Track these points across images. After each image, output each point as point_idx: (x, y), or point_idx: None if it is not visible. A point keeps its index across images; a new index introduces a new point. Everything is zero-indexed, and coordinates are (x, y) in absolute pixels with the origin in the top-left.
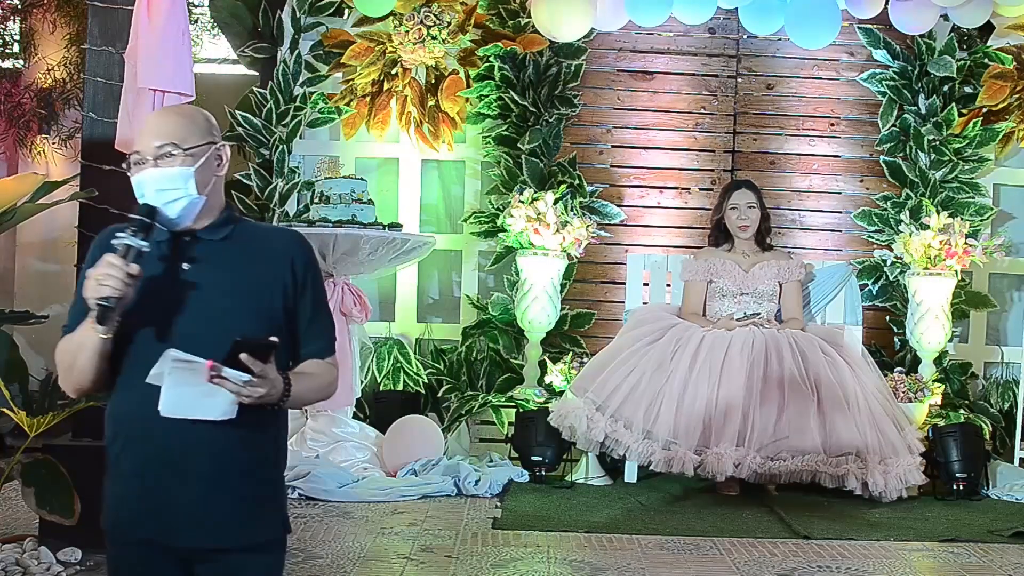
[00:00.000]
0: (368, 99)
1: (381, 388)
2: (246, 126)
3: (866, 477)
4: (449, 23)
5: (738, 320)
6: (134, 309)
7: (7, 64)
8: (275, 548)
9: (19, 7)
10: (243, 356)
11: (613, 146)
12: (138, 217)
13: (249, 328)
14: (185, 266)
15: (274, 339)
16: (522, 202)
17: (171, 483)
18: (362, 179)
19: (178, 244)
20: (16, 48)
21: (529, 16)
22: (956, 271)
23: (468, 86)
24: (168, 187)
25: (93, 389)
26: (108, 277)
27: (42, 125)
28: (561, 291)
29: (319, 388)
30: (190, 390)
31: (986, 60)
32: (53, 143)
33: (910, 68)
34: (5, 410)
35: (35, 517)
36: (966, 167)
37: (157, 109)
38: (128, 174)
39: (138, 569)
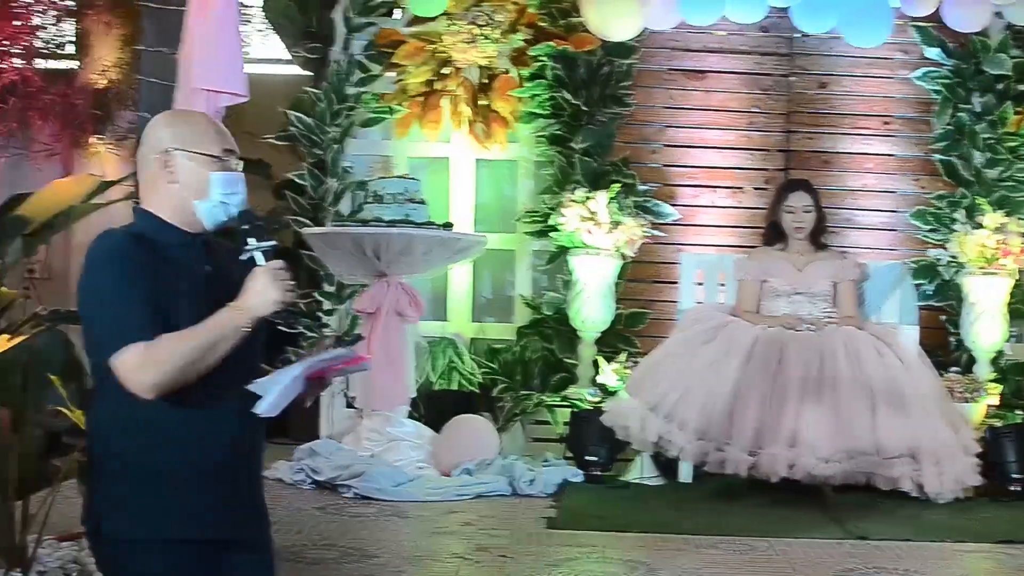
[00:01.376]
0: (420, 99)
1: (435, 388)
2: (299, 126)
3: (921, 479)
4: (501, 23)
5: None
6: (179, 311)
7: (62, 66)
8: (269, 543)
9: (73, 9)
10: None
11: (666, 145)
12: (261, 223)
13: (262, 328)
14: (208, 268)
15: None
16: (575, 201)
17: (237, 480)
18: (415, 179)
19: (198, 246)
20: (71, 50)
21: (580, 15)
22: (1013, 270)
23: (520, 86)
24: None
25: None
26: (291, 283)
27: (97, 126)
28: (615, 290)
29: None
30: (293, 390)
31: None
32: (108, 143)
33: (964, 66)
34: (62, 409)
35: None
36: (1021, 165)
37: (213, 110)
38: (224, 165)
39: (199, 568)
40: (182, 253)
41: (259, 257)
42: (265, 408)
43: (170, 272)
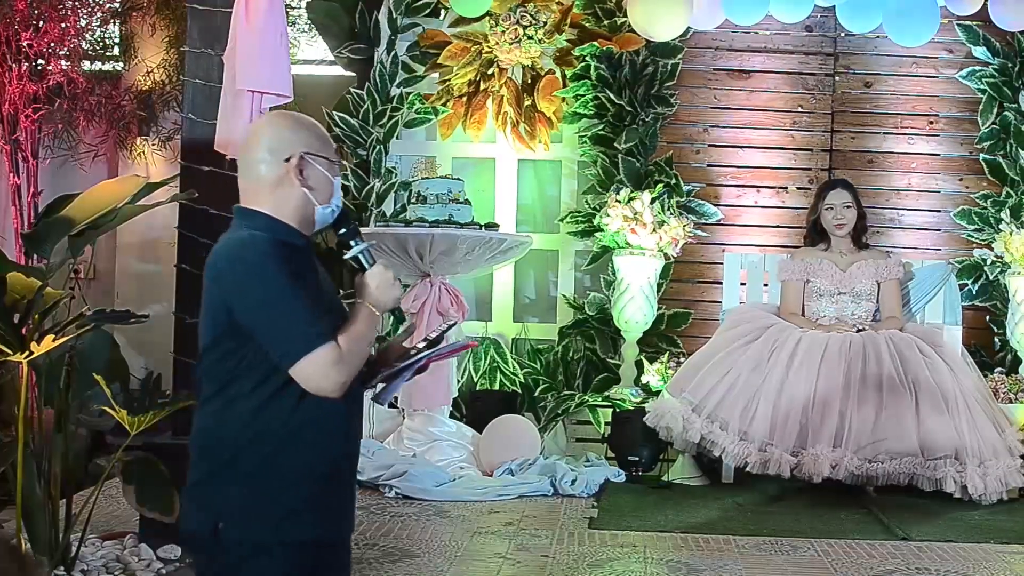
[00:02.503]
0: (464, 99)
1: (478, 388)
2: (343, 127)
3: (965, 480)
4: (545, 23)
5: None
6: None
7: (107, 67)
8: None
9: (119, 11)
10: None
11: (710, 145)
12: (356, 225)
13: None
14: (320, 270)
15: None
16: (619, 202)
17: (342, 482)
18: (459, 179)
19: (311, 249)
20: (116, 51)
21: (625, 15)
22: None
23: (564, 86)
24: None
25: None
26: (398, 281)
27: (142, 127)
28: (658, 291)
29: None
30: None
31: None
32: (153, 145)
33: (1010, 65)
34: (107, 409)
35: (135, 514)
36: None
37: (258, 111)
38: (329, 170)
39: (319, 568)
40: (303, 255)
41: (364, 257)
42: (386, 399)
43: (304, 274)
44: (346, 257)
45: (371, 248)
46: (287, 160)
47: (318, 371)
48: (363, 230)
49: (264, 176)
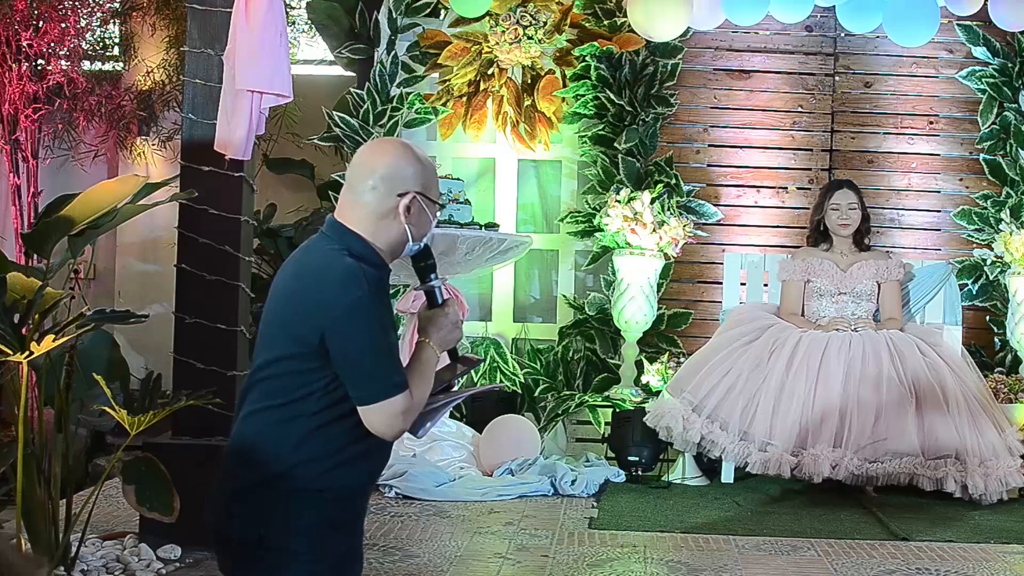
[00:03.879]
0: (464, 99)
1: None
2: (343, 127)
3: (965, 480)
4: (545, 23)
5: (845, 323)
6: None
7: (107, 67)
8: None
9: (119, 11)
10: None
11: (710, 145)
12: (433, 260)
13: None
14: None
15: None
16: (619, 202)
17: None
18: (459, 179)
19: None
20: (116, 51)
21: (625, 15)
22: None
23: (564, 86)
24: None
25: None
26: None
27: (142, 127)
28: (658, 291)
29: None
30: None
31: None
32: (152, 144)
33: (1010, 65)
34: (107, 408)
35: (135, 514)
36: None
37: (258, 111)
38: (435, 211)
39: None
40: (388, 280)
41: (439, 292)
42: (422, 431)
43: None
44: (420, 288)
45: (444, 285)
46: (400, 195)
47: (387, 419)
48: None
49: (371, 203)
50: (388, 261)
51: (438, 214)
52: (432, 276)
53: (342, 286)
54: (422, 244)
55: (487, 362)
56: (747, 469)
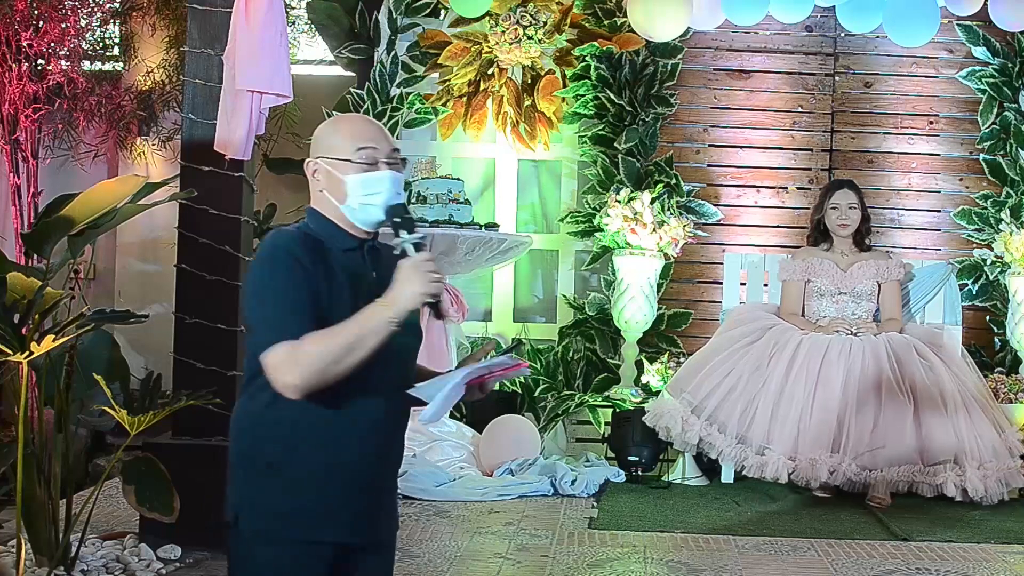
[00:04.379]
0: (464, 99)
1: None
2: None
3: (965, 483)
4: (545, 23)
5: (845, 324)
6: (340, 315)
7: (107, 67)
8: (394, 544)
9: (119, 11)
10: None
11: (710, 145)
12: (408, 217)
13: (417, 345)
14: (374, 274)
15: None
16: (619, 202)
17: (374, 484)
18: (459, 179)
19: (365, 251)
20: (116, 51)
21: (625, 15)
22: None
23: (564, 86)
24: (402, 191)
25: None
26: (436, 274)
27: (142, 127)
28: (658, 291)
29: None
30: (447, 397)
31: None
32: (152, 144)
33: (1010, 65)
34: (107, 408)
35: (135, 514)
36: None
37: (258, 111)
38: (354, 170)
39: (301, 568)
40: (348, 258)
41: (410, 250)
42: (429, 416)
43: (334, 275)
44: (395, 253)
45: (423, 242)
46: (308, 165)
47: (272, 368)
48: None
49: (309, 183)
50: (358, 231)
51: (360, 170)
52: (402, 233)
53: (257, 251)
54: (355, 206)
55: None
56: (744, 473)
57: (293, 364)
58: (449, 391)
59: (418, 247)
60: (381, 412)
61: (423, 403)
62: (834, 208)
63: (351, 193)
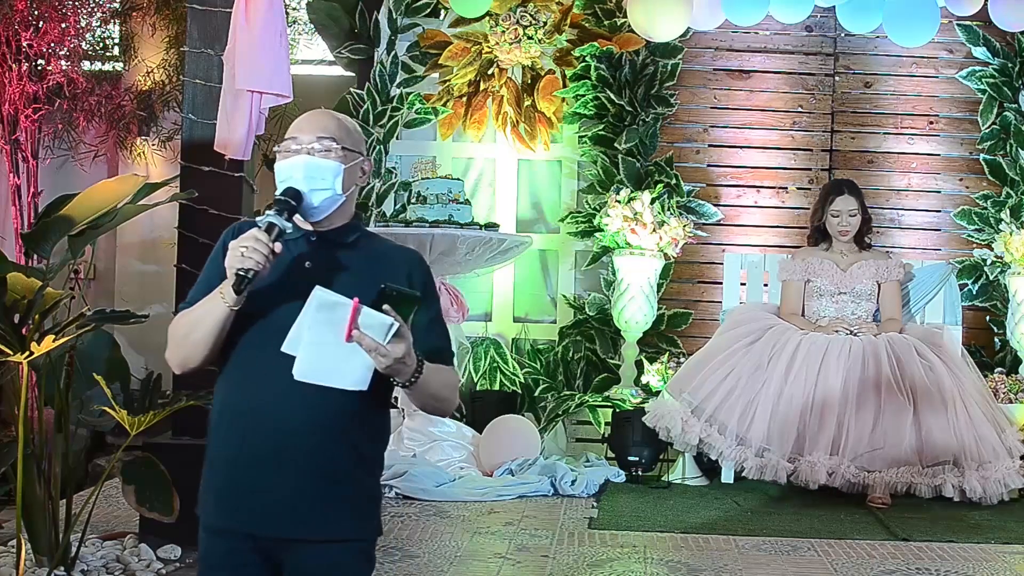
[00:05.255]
0: (464, 99)
1: (478, 388)
2: None
3: (964, 484)
4: (545, 23)
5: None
6: (257, 302)
7: (107, 67)
8: (357, 548)
9: (119, 11)
10: (386, 308)
11: (710, 145)
12: (283, 198)
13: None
14: (308, 264)
15: (418, 294)
16: (619, 202)
17: (265, 475)
18: (459, 179)
19: (306, 242)
20: (116, 51)
21: (625, 16)
22: None
23: (564, 86)
24: (318, 176)
25: (200, 364)
26: (253, 250)
27: (142, 127)
28: (658, 291)
29: (447, 384)
30: (329, 352)
31: None
32: (152, 145)
33: (1010, 65)
34: (107, 409)
35: (135, 514)
36: None
37: (258, 111)
38: (278, 159)
39: (226, 558)
40: (291, 246)
41: (264, 225)
42: (299, 371)
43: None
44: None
45: (275, 224)
46: None
47: None
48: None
49: None
50: (305, 224)
51: (289, 156)
52: (271, 211)
53: None
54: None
55: (487, 362)
56: (743, 474)
57: (169, 338)
58: (309, 341)
59: (269, 228)
60: (292, 400)
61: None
62: (835, 215)
63: (277, 181)
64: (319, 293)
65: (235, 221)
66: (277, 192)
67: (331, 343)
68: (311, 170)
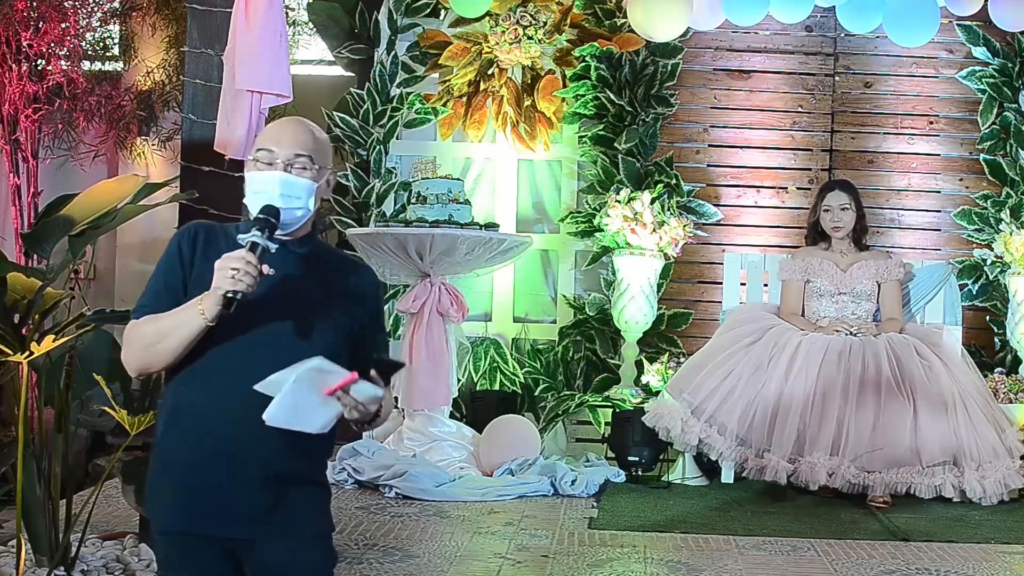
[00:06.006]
0: (464, 99)
1: (478, 388)
2: (343, 127)
3: (963, 484)
4: (545, 23)
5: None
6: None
7: (107, 67)
8: (318, 543)
9: (119, 11)
10: (373, 374)
11: (710, 145)
12: (265, 217)
13: (329, 342)
14: (271, 271)
15: (404, 363)
16: (619, 202)
17: (222, 477)
18: (459, 179)
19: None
20: (116, 51)
21: (625, 16)
22: None
23: (564, 86)
24: (294, 195)
25: (159, 369)
26: (245, 273)
27: (141, 127)
28: (658, 291)
29: (389, 411)
30: (304, 401)
31: None
32: (153, 145)
33: (1010, 65)
34: (107, 409)
35: (135, 514)
36: None
37: (258, 111)
38: (251, 168)
39: (187, 559)
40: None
41: (248, 245)
42: (270, 415)
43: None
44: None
45: (259, 243)
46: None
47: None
48: (363, 230)
49: None
50: (284, 230)
51: (261, 168)
52: (253, 230)
53: None
54: (253, 206)
55: (487, 362)
56: (743, 474)
57: (127, 341)
58: (287, 394)
59: (253, 247)
60: (248, 400)
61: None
62: (827, 210)
63: (247, 190)
64: (320, 363)
65: (234, 221)
66: (249, 202)
67: (308, 397)
68: (287, 187)
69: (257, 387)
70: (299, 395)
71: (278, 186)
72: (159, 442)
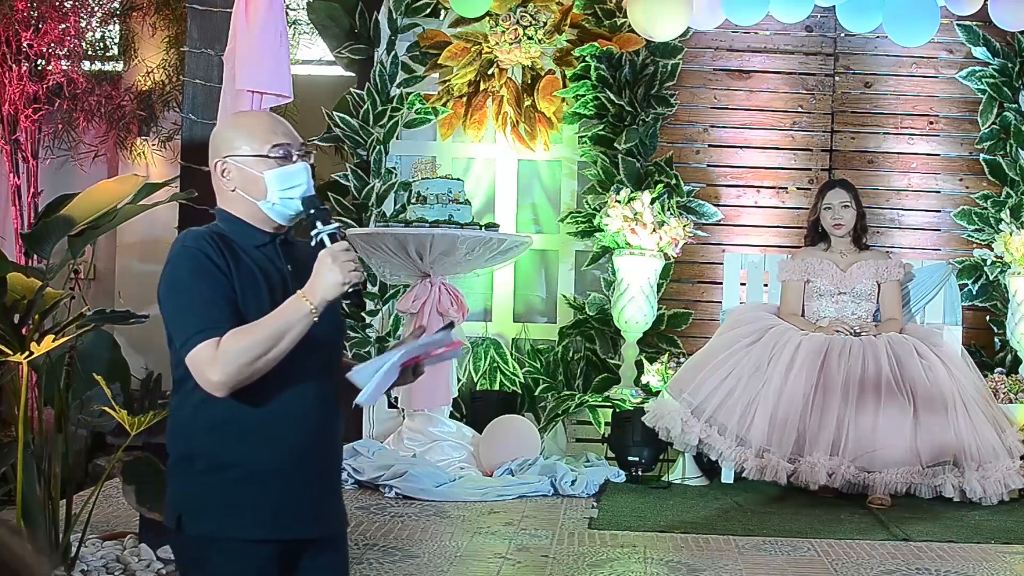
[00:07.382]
0: (464, 99)
1: (478, 388)
2: (343, 127)
3: (964, 484)
4: (545, 23)
5: (845, 325)
6: (260, 311)
7: (107, 67)
8: (346, 538)
9: (119, 11)
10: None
11: (710, 145)
12: (324, 207)
13: (339, 316)
14: (289, 268)
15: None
16: (619, 202)
17: (309, 479)
18: (459, 179)
19: (277, 245)
20: (116, 51)
21: (625, 16)
22: None
23: (564, 86)
24: (312, 183)
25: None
26: (354, 263)
27: (141, 127)
28: (658, 291)
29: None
30: (389, 378)
31: None
32: (153, 145)
33: (1010, 65)
34: (107, 409)
35: (135, 515)
36: None
37: (259, 111)
38: (271, 166)
39: (246, 570)
40: (261, 253)
41: (326, 240)
42: (365, 399)
43: (249, 271)
44: (312, 245)
45: (339, 232)
46: (216, 166)
47: (196, 367)
48: (363, 230)
49: (215, 183)
50: (272, 229)
51: (273, 165)
52: (314, 228)
53: (169, 252)
54: (274, 202)
55: (487, 362)
56: (743, 474)
57: (217, 362)
58: (384, 373)
59: (333, 237)
60: (309, 402)
61: (356, 388)
62: (827, 208)
63: (271, 188)
64: (450, 333)
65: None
66: (281, 197)
67: (391, 374)
68: (309, 176)
69: (349, 375)
70: (390, 375)
71: (305, 176)
72: (218, 455)
